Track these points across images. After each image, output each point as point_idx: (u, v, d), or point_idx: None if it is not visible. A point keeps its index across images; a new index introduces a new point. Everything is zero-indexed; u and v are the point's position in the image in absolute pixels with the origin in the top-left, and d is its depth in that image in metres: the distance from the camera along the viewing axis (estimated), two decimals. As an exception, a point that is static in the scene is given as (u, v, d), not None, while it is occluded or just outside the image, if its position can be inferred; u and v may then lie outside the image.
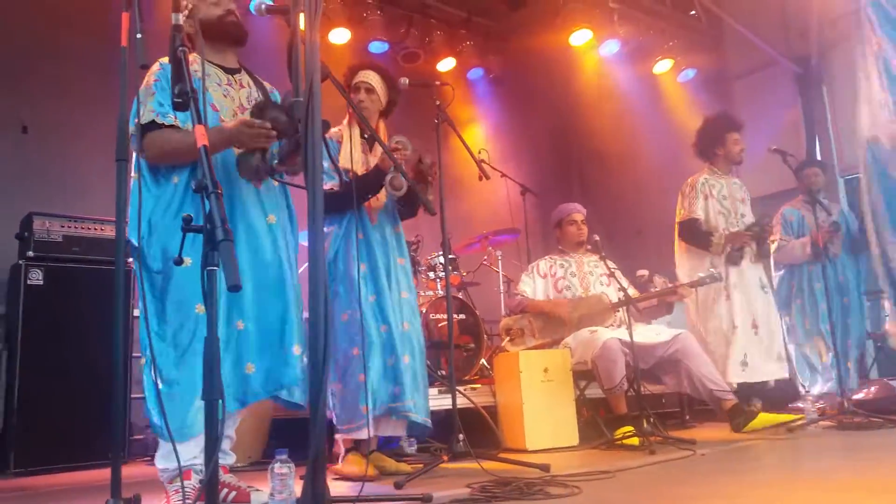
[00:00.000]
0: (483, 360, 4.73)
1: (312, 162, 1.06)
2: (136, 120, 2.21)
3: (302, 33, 1.40)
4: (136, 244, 2.15)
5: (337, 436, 2.99)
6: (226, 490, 2.25)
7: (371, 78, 3.22)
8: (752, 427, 3.73)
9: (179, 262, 1.37)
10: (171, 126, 2.26)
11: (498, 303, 5.53)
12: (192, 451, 2.15)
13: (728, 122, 4.67)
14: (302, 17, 1.52)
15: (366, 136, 3.18)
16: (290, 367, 2.32)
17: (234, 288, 1.17)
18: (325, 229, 2.93)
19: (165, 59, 2.27)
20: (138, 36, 1.61)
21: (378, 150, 3.14)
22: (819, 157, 6.32)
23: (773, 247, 4.72)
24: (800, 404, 4.57)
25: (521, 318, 4.27)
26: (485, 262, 5.63)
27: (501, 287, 5.54)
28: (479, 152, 5.03)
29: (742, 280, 4.43)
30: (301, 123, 1.13)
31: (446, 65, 6.89)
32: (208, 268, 1.23)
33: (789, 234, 4.67)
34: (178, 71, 1.48)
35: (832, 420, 4.08)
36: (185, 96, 1.45)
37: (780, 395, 4.70)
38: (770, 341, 4.37)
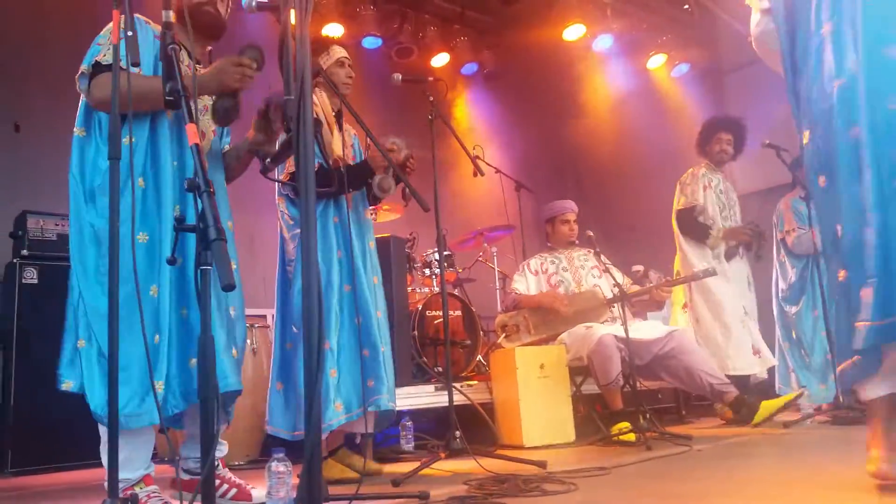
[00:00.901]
0: (479, 357, 4.73)
1: (304, 161, 1.05)
2: (92, 61, 2.10)
3: (293, 29, 1.39)
4: (94, 221, 2.07)
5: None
6: (225, 486, 2.24)
7: (347, 53, 3.12)
8: (760, 417, 3.75)
9: (173, 262, 1.36)
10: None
11: (493, 299, 5.53)
12: (147, 456, 2.08)
13: (719, 122, 4.77)
14: (292, 13, 1.51)
15: (335, 112, 3.07)
16: (224, 372, 2.16)
17: (228, 287, 1.16)
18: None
19: (138, 16, 2.20)
20: (129, 34, 1.59)
21: (346, 129, 3.09)
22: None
23: (792, 237, 4.68)
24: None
25: (517, 315, 4.27)
26: (480, 259, 5.63)
27: (497, 283, 5.55)
28: (474, 148, 5.01)
29: (736, 274, 4.49)
30: (293, 122, 1.12)
31: (440, 60, 6.87)
32: (201, 267, 1.23)
33: (804, 224, 4.64)
34: (170, 69, 1.47)
35: (827, 415, 4.10)
36: (176, 94, 1.44)
37: (763, 391, 4.74)
38: (756, 335, 4.44)
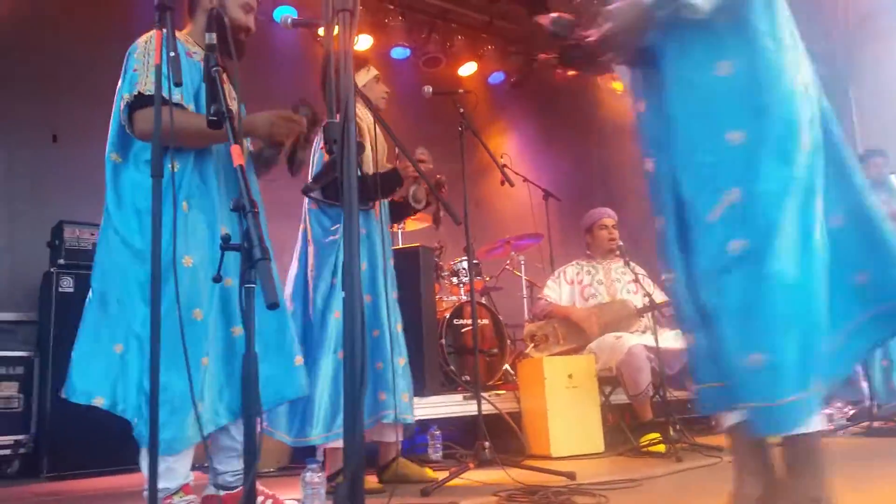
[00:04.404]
0: (507, 366, 4.73)
1: (349, 184, 1.07)
2: (136, 91, 2.09)
3: (335, 48, 1.40)
4: (131, 241, 2.07)
5: (322, 445, 2.84)
6: (261, 497, 2.27)
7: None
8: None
9: (219, 279, 1.39)
10: (178, 104, 2.11)
11: (521, 307, 5.52)
12: (187, 465, 2.12)
13: None
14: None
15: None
16: (292, 378, 2.25)
17: (273, 306, 1.19)
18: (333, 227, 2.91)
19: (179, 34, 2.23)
20: (171, 54, 1.63)
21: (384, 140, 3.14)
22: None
23: None
24: (828, 410, 4.53)
25: (546, 324, 4.27)
26: (507, 267, 5.63)
27: (525, 291, 5.54)
28: (501, 157, 5.04)
29: None
30: (336, 144, 1.14)
31: (468, 69, 6.90)
32: (246, 285, 1.26)
33: None
34: (214, 90, 1.51)
35: (860, 426, 4.04)
36: (220, 115, 1.48)
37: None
38: None
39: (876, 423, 4.06)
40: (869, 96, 6.52)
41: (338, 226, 2.89)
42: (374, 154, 3.03)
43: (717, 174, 1.70)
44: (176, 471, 2.07)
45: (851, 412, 4.48)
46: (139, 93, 2.08)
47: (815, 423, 1.63)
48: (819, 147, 1.72)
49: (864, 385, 4.42)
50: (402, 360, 2.96)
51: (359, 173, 2.85)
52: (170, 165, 2.03)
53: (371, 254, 2.95)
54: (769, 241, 1.61)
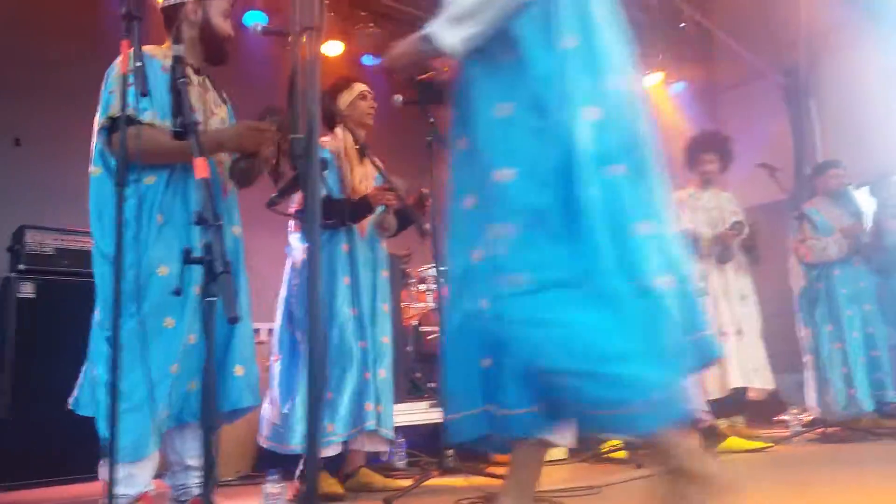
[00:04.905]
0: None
1: (312, 200, 1.09)
2: (108, 113, 2.16)
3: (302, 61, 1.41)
4: (107, 251, 2.11)
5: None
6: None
7: (368, 87, 3.26)
8: (722, 448, 3.77)
9: (179, 292, 1.40)
10: (149, 124, 2.16)
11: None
12: (149, 474, 2.14)
13: (704, 143, 4.72)
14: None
15: (357, 146, 3.16)
16: (228, 390, 2.25)
17: (233, 320, 1.20)
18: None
19: (147, 49, 2.24)
20: (138, 64, 1.64)
21: (367, 162, 3.16)
22: (807, 170, 6.36)
23: (816, 245, 4.64)
24: (785, 417, 4.64)
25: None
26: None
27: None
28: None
29: (727, 289, 4.48)
30: (301, 160, 1.15)
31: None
32: (207, 299, 1.27)
33: (818, 234, 4.62)
34: (179, 102, 1.51)
35: (816, 434, 4.16)
36: (186, 128, 1.49)
37: (762, 408, 4.76)
38: (754, 350, 4.42)
39: (830, 430, 4.17)
40: (830, 108, 6.70)
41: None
42: (352, 176, 3.07)
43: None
44: (136, 477, 2.07)
45: (808, 419, 4.59)
46: (114, 116, 2.12)
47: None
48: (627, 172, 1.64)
49: (814, 394, 4.53)
50: (382, 372, 3.02)
51: (332, 197, 2.92)
52: (150, 178, 2.18)
53: (354, 268, 3.02)
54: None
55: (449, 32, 1.62)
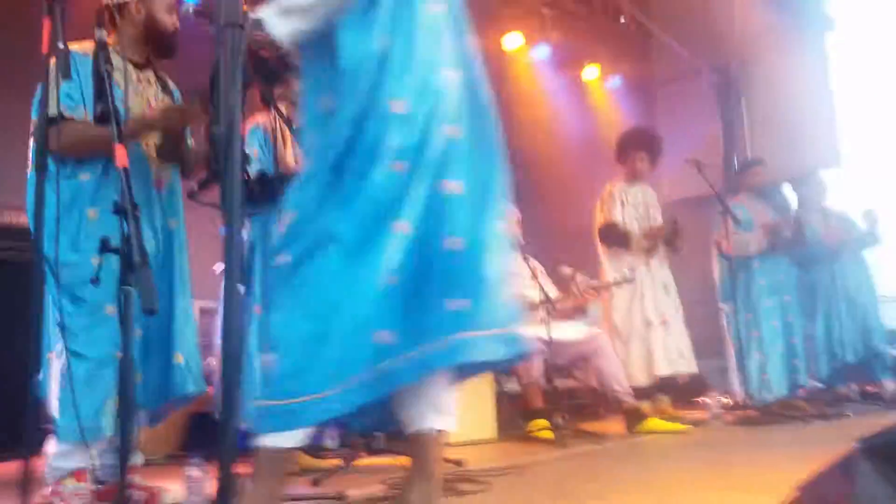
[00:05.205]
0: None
1: (231, 197, 1.12)
2: (43, 110, 2.17)
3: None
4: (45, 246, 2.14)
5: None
6: (138, 492, 2.29)
7: None
8: (643, 429, 3.94)
9: (95, 281, 1.41)
10: (70, 118, 2.19)
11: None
12: (87, 452, 2.15)
13: (637, 139, 4.89)
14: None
15: (291, 124, 3.12)
16: (170, 377, 2.32)
17: (149, 312, 1.23)
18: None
19: (76, 46, 2.24)
20: (61, 46, 1.63)
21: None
22: (735, 166, 6.61)
23: (737, 239, 4.77)
24: (704, 399, 4.87)
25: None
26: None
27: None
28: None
29: (652, 280, 4.68)
30: (220, 157, 1.18)
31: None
32: (124, 287, 1.30)
33: (740, 228, 4.81)
34: (101, 89, 1.52)
35: (735, 416, 4.39)
36: (107, 115, 1.50)
37: (689, 390, 4.99)
38: (678, 337, 4.64)
39: (747, 413, 4.41)
40: (760, 107, 6.96)
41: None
42: (286, 154, 3.09)
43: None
44: (74, 454, 2.10)
45: (728, 402, 4.84)
46: (47, 115, 2.12)
47: None
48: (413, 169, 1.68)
49: (735, 378, 4.77)
50: None
51: (263, 173, 2.91)
52: (84, 175, 2.24)
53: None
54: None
55: (278, 22, 1.66)
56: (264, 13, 1.66)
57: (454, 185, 1.69)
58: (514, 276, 1.86)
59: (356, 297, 1.59)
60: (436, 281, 1.62)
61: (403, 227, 1.63)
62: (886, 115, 6.69)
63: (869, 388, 5.08)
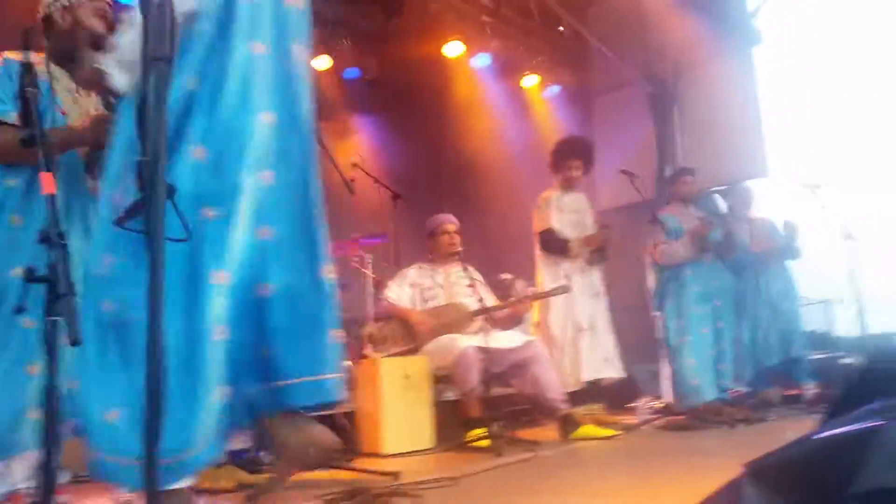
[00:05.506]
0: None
1: (155, 223, 1.12)
2: None
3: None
4: None
5: None
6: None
7: None
8: (577, 435, 4.01)
9: (19, 311, 1.38)
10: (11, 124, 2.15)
11: (366, 305, 5.62)
12: (22, 472, 2.12)
13: (570, 148, 4.99)
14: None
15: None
16: None
17: (75, 343, 1.22)
18: None
19: (9, 54, 2.22)
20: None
21: None
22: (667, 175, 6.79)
23: (659, 250, 4.88)
24: (636, 404, 5.03)
25: (385, 325, 4.41)
26: (355, 264, 5.71)
27: (370, 289, 5.64)
28: (352, 158, 5.11)
29: (582, 286, 4.80)
30: (147, 185, 1.17)
31: (321, 63, 6.86)
32: (50, 318, 1.28)
33: (670, 237, 4.92)
34: (27, 112, 1.49)
35: (664, 422, 4.53)
36: (33, 139, 1.47)
37: (620, 395, 5.14)
38: (605, 343, 4.77)
39: (676, 418, 4.56)
40: (692, 117, 7.20)
41: None
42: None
43: None
44: (6, 476, 2.05)
45: (658, 406, 5.00)
46: None
47: None
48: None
49: (667, 383, 4.93)
50: None
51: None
52: (9, 182, 2.21)
53: None
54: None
55: (118, 74, 1.70)
56: (106, 64, 1.69)
57: (265, 231, 1.71)
58: (334, 320, 1.88)
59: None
60: (252, 329, 1.67)
61: (222, 277, 1.64)
62: (811, 127, 6.97)
63: (791, 392, 5.30)
